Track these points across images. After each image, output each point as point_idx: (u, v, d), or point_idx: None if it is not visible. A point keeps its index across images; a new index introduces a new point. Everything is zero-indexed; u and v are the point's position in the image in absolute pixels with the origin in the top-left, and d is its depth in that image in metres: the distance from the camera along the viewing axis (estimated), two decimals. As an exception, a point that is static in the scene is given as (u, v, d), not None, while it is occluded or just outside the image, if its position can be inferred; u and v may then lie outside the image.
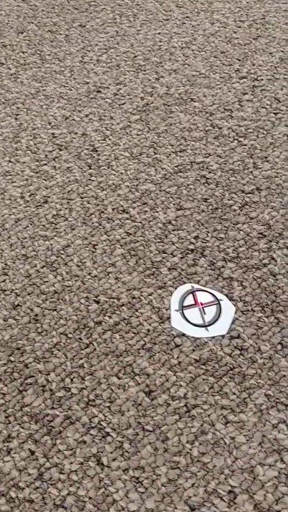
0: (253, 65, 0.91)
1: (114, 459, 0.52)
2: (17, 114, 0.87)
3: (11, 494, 0.50)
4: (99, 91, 0.90)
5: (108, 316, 0.62)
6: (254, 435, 0.53)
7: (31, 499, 0.50)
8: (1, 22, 1.05)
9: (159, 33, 0.99)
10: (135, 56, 0.95)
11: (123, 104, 0.87)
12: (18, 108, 0.88)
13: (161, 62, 0.93)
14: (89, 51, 0.97)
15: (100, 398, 0.56)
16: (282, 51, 0.93)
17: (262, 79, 0.88)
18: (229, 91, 0.87)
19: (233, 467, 0.52)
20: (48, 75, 0.94)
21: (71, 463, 0.52)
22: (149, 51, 0.96)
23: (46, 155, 0.81)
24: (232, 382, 0.56)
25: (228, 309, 0.62)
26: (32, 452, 0.53)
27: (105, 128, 0.84)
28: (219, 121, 0.83)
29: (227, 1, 1.04)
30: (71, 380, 0.58)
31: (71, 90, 0.91)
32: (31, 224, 0.72)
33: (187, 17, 1.02)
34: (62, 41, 1.00)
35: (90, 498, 0.50)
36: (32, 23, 1.05)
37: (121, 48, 0.97)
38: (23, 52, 0.98)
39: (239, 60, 0.92)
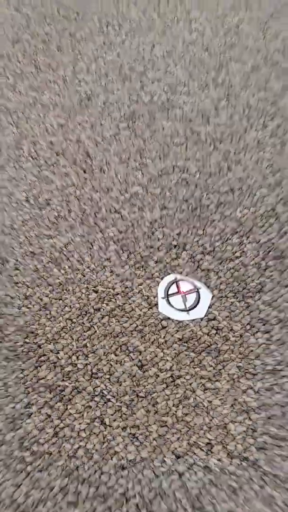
0: (228, 73, 1.01)
1: (114, 420, 0.65)
2: (18, 123, 0.97)
3: (33, 448, 0.63)
4: (89, 99, 1.00)
5: (106, 304, 0.74)
6: (227, 399, 0.66)
7: (50, 452, 0.63)
8: (-3, 32, 1.14)
9: (142, 42, 1.08)
10: (121, 65, 1.05)
11: (112, 112, 0.97)
12: (18, 117, 0.98)
13: (145, 71, 1.03)
14: (79, 60, 1.07)
15: (101, 372, 0.69)
16: (253, 59, 1.03)
17: (235, 87, 0.99)
18: (206, 98, 0.98)
19: (210, 424, 0.65)
20: (43, 84, 1.03)
21: (80, 423, 0.65)
22: (134, 60, 1.05)
23: (45, 161, 0.91)
24: (209, 357, 0.69)
25: (206, 295, 0.74)
26: (48, 416, 0.65)
27: (97, 135, 0.94)
28: (198, 127, 0.94)
29: (204, 9, 1.14)
30: (77, 357, 0.70)
31: (65, 98, 1.01)
32: (36, 225, 0.83)
33: (167, 25, 1.11)
34: (54, 51, 1.09)
35: (96, 450, 0.63)
36: (26, 32, 1.13)
37: (108, 57, 1.07)
38: (19, 62, 1.08)
39: (215, 68, 1.02)
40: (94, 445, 0.63)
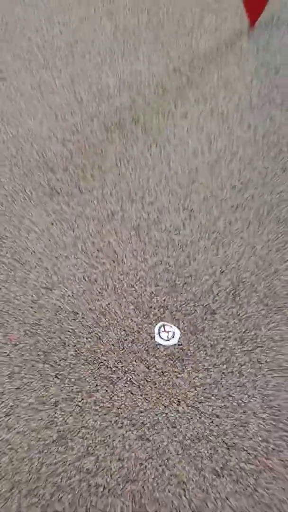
0: (190, 201, 1.82)
1: (136, 392, 1.47)
2: (73, 229, 1.75)
3: (101, 404, 1.44)
4: (113, 214, 1.79)
5: (129, 337, 1.55)
6: (185, 382, 1.49)
7: (108, 406, 1.44)
8: (53, 162, 1.90)
9: (141, 175, 1.87)
10: (130, 191, 1.84)
11: (126, 223, 1.76)
12: (73, 225, 1.76)
13: (143, 196, 1.83)
14: (105, 185, 1.85)
15: (130, 370, 1.50)
16: (205, 196, 1.84)
17: (194, 210, 1.80)
18: (178, 217, 1.79)
19: (178, 394, 1.47)
20: (85, 202, 1.81)
21: (121, 393, 1.46)
22: (137, 188, 1.84)
23: (91, 254, 1.70)
24: (179, 363, 1.51)
25: (177, 333, 1.56)
26: (106, 390, 1.46)
27: (118, 238, 1.73)
28: (173, 236, 1.74)
29: (177, 152, 1.94)
30: (117, 363, 1.51)
31: (99, 213, 1.79)
32: (90, 293, 1.62)
33: (155, 163, 1.91)
34: (89, 178, 1.87)
35: (129, 405, 1.44)
36: (71, 163, 1.90)
37: (122, 185, 1.85)
38: (68, 185, 1.84)
39: (184, 197, 1.83)
40: (129, 404, 1.44)
